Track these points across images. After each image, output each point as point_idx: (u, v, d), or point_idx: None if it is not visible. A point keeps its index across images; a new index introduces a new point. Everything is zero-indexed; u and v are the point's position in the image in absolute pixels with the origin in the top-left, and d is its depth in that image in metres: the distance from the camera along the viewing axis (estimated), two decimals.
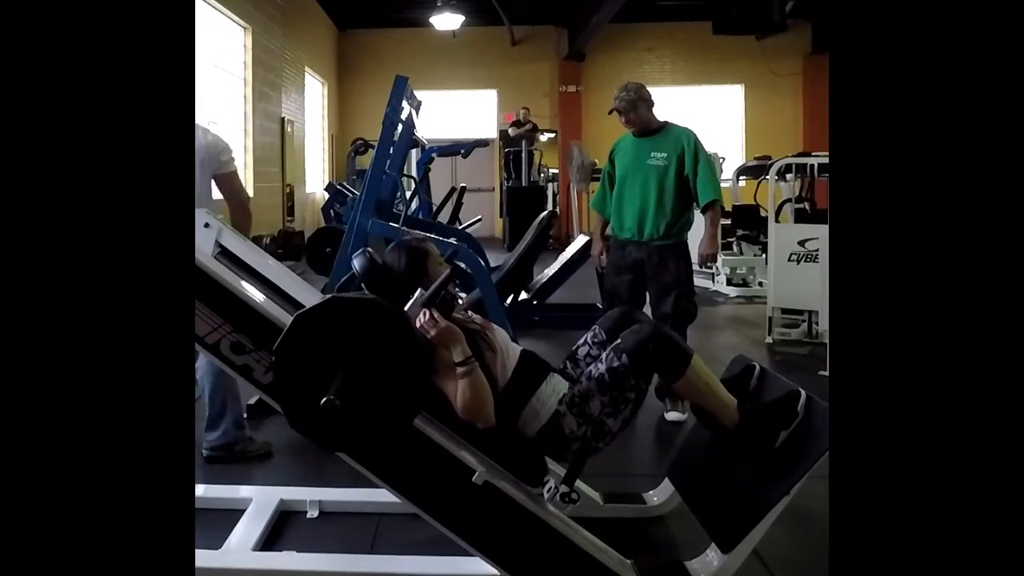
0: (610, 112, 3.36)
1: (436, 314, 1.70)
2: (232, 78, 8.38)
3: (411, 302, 1.73)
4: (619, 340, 1.81)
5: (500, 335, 1.91)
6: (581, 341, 2.04)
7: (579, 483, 2.26)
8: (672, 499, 2.22)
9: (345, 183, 9.21)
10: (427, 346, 1.67)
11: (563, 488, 1.70)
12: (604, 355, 1.81)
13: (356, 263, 1.97)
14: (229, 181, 2.86)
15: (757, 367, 2.02)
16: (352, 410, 1.47)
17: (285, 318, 1.58)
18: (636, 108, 3.26)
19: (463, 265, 3.97)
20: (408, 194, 6.28)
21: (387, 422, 1.52)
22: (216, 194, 2.90)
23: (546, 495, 1.68)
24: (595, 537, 1.74)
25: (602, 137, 8.08)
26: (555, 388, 1.83)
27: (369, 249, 2.08)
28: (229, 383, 2.71)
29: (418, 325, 1.68)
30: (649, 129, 3.30)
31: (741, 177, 7.93)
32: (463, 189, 7.67)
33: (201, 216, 2.24)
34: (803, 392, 1.78)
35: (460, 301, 2.10)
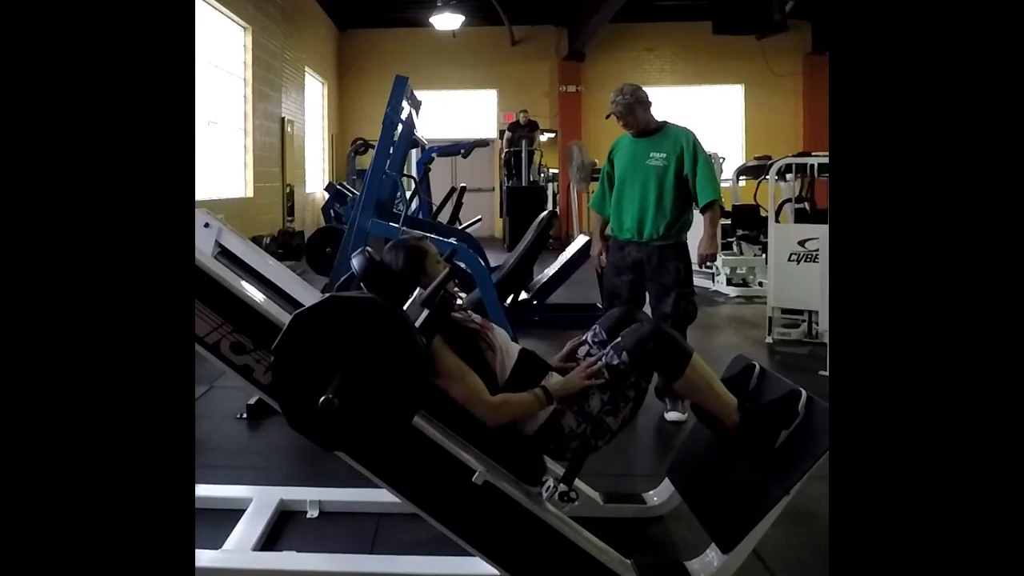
0: (607, 116, 3.36)
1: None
2: (232, 78, 8.38)
3: (410, 301, 1.73)
4: (619, 338, 1.81)
5: (499, 334, 1.91)
6: (581, 340, 2.04)
7: (579, 483, 2.27)
8: (672, 499, 2.22)
9: (345, 183, 9.22)
10: (428, 348, 1.67)
11: (562, 487, 1.69)
12: (604, 353, 1.81)
13: (355, 262, 1.98)
14: None
15: (757, 367, 2.02)
16: (350, 409, 1.47)
17: (285, 318, 1.58)
18: (633, 112, 3.25)
19: (463, 265, 3.97)
20: (408, 194, 6.28)
21: (386, 421, 1.52)
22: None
23: (544, 494, 1.68)
24: (595, 537, 1.74)
25: (602, 137, 8.06)
26: None
27: (369, 248, 2.10)
28: None
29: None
30: (648, 129, 3.30)
31: (741, 177, 7.92)
32: (463, 189, 7.67)
33: (201, 216, 2.24)
34: (803, 392, 1.78)
35: (459, 300, 2.10)
